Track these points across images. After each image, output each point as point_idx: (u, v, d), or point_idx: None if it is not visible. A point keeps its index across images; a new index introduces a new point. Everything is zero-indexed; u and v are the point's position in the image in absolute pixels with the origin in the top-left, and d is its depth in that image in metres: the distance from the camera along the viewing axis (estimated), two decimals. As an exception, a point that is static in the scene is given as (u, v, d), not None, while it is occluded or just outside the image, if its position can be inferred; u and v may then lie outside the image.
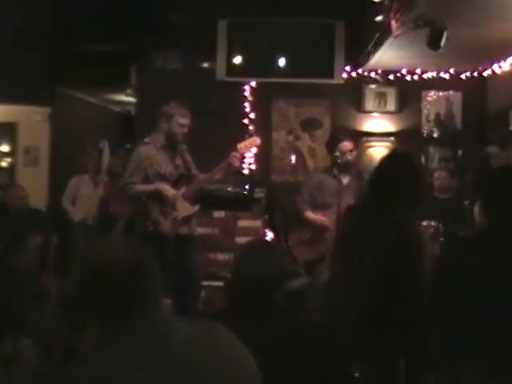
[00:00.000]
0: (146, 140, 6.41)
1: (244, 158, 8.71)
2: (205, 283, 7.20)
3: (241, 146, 6.46)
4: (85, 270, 2.15)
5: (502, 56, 8.21)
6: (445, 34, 6.20)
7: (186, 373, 2.05)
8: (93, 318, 2.12)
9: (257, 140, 6.71)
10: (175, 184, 6.32)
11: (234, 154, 6.34)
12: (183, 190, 6.35)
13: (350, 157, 6.75)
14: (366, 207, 4.19)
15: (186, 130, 6.32)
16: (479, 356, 3.20)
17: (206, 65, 9.15)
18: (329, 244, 6.55)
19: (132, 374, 1.99)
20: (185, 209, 6.33)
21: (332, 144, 6.87)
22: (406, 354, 3.79)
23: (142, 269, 2.14)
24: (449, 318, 3.36)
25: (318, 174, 7.46)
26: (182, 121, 6.29)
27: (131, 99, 11.02)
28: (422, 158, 9.28)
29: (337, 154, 6.70)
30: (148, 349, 2.04)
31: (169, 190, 6.24)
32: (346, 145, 6.77)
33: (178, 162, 6.42)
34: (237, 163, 6.49)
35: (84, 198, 9.29)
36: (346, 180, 6.69)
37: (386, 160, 4.23)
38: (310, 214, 6.85)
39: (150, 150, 6.30)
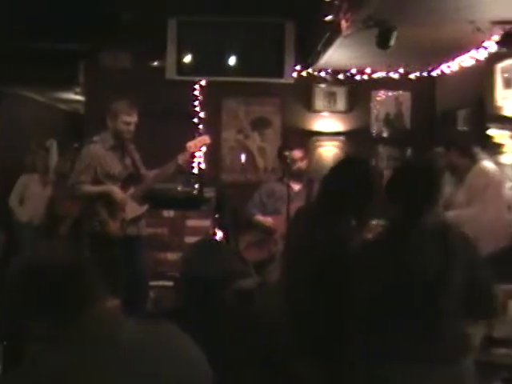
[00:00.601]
0: (94, 139, 6.34)
1: (194, 157, 8.67)
2: (154, 283, 7.15)
3: (190, 145, 6.44)
4: (24, 272, 2.11)
5: (450, 56, 8.28)
6: (394, 34, 6.23)
7: (134, 372, 2.04)
8: (35, 319, 2.09)
9: (206, 139, 6.70)
10: (124, 184, 6.27)
11: (183, 153, 6.32)
12: (132, 189, 6.30)
13: (300, 165, 6.79)
14: (314, 212, 4.17)
15: (131, 128, 6.26)
16: (392, 353, 3.27)
17: (155, 63, 9.08)
18: (278, 245, 6.58)
19: (79, 373, 1.97)
20: (133, 210, 6.28)
21: (282, 152, 6.90)
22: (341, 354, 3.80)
23: (82, 269, 2.12)
24: (364, 319, 3.42)
25: (269, 182, 7.50)
26: (126, 118, 6.22)
27: (80, 98, 10.90)
28: (372, 158, 9.34)
29: (288, 162, 6.74)
30: (94, 348, 2.02)
31: (117, 193, 6.18)
32: (297, 153, 6.82)
33: (127, 161, 6.36)
34: (186, 162, 6.46)
35: (33, 197, 9.19)
36: (297, 187, 6.73)
37: (339, 167, 4.16)
38: (258, 218, 6.87)
39: (99, 150, 6.24)
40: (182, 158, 6.34)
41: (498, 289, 3.61)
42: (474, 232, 6.12)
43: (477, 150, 6.53)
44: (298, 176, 6.73)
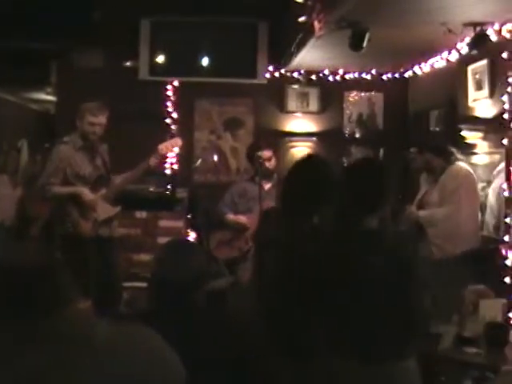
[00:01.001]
0: (64, 139, 6.30)
1: (166, 157, 8.64)
2: (127, 284, 7.12)
3: (162, 147, 6.43)
4: None
5: (423, 57, 8.33)
6: (367, 36, 6.24)
7: (107, 373, 2.02)
8: (7, 319, 2.08)
9: (178, 141, 6.69)
10: (95, 185, 6.24)
11: (154, 155, 6.31)
12: (103, 191, 6.27)
13: (269, 164, 6.80)
14: (278, 212, 4.20)
15: (97, 129, 6.20)
16: (341, 351, 3.32)
17: (128, 64, 9.04)
18: (250, 243, 6.59)
19: (55, 373, 1.97)
20: (105, 210, 6.25)
21: (252, 152, 6.91)
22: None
23: (53, 271, 2.10)
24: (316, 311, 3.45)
25: (240, 181, 7.52)
26: (92, 119, 6.17)
27: (52, 98, 10.83)
28: (344, 159, 9.36)
29: (259, 161, 6.75)
30: (68, 349, 2.01)
31: (87, 194, 6.14)
32: (266, 153, 6.83)
33: (98, 162, 6.33)
34: (157, 164, 6.45)
35: (3, 198, 9.09)
36: (267, 186, 6.73)
37: (298, 167, 4.15)
38: (230, 217, 6.88)
39: (68, 150, 6.20)
40: (153, 160, 6.33)
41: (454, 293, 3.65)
42: (446, 232, 6.20)
43: (452, 150, 6.57)
44: (268, 175, 6.74)
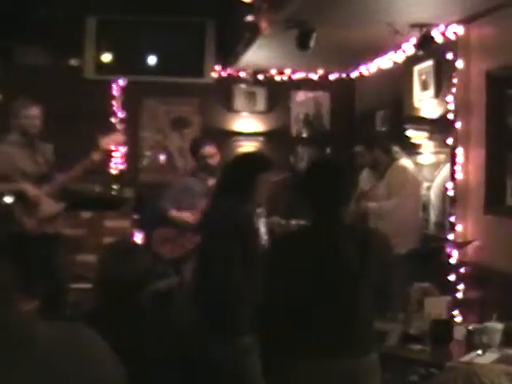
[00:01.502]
0: (4, 137, 6.21)
1: (110, 155, 8.57)
2: (73, 285, 7.03)
3: (101, 143, 6.36)
4: None
5: (369, 58, 8.39)
6: (313, 36, 6.27)
7: (47, 372, 2.02)
8: None
9: (119, 136, 6.64)
10: (37, 182, 6.15)
11: (96, 151, 6.25)
12: (46, 188, 6.19)
13: (213, 161, 6.77)
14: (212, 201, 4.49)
15: (36, 122, 6.13)
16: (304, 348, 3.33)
17: (74, 62, 8.94)
18: (194, 241, 6.55)
19: None
20: (49, 207, 6.16)
21: (195, 148, 6.88)
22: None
23: None
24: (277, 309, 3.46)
25: (183, 177, 7.49)
26: (26, 113, 6.11)
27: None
28: (291, 158, 9.39)
29: (204, 157, 6.72)
30: (10, 350, 1.99)
31: (30, 189, 6.06)
32: (209, 149, 6.80)
33: (39, 159, 6.24)
34: (99, 161, 6.38)
35: None
36: (211, 182, 6.69)
37: (232, 160, 4.51)
38: (173, 213, 6.83)
39: (8, 148, 6.11)
40: (94, 156, 6.27)
41: (400, 291, 3.70)
42: (393, 225, 6.28)
43: (396, 148, 6.65)
44: (211, 172, 6.71)
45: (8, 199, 6.02)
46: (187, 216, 6.70)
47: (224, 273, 3.95)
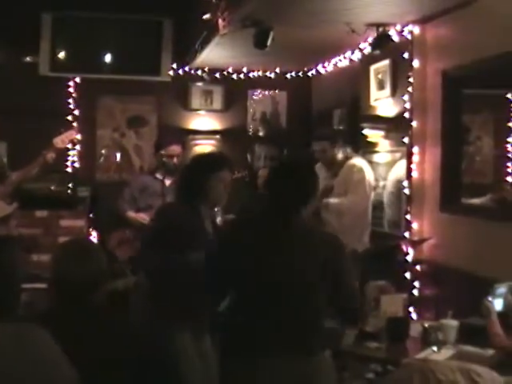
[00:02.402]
0: None
1: (66, 154, 8.48)
2: (28, 285, 6.94)
3: (56, 140, 6.29)
4: None
5: (326, 57, 8.42)
6: (271, 34, 6.27)
7: None
8: None
9: (73, 133, 6.57)
10: None
11: (49, 149, 6.17)
12: (-1, 188, 6.10)
13: (173, 160, 6.73)
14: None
15: None
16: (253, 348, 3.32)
17: (28, 59, 8.82)
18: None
19: None
20: (1, 209, 6.07)
21: (159, 146, 6.83)
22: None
23: None
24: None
25: (141, 176, 7.45)
26: None
27: None
28: (248, 156, 9.39)
29: (163, 155, 6.67)
30: None
31: None
32: (174, 148, 6.74)
33: (-9, 159, 6.16)
34: (53, 159, 6.30)
35: None
36: (169, 181, 6.65)
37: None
38: (130, 214, 6.79)
39: None
40: (48, 154, 6.19)
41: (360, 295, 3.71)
42: (350, 222, 6.33)
43: (348, 147, 6.69)
44: (173, 171, 6.67)
45: None
46: (144, 217, 6.66)
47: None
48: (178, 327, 4.11)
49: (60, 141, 6.32)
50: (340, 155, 6.55)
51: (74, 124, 8.83)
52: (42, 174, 6.46)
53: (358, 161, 6.61)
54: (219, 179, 4.28)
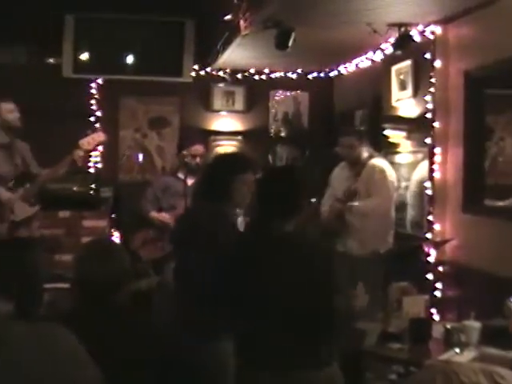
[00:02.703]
0: None
1: (90, 156, 8.52)
2: (51, 285, 6.99)
3: (83, 142, 6.30)
4: None
5: (347, 57, 8.41)
6: (292, 35, 6.27)
7: (22, 374, 1.98)
8: None
9: (101, 135, 6.55)
10: (14, 184, 6.09)
11: (76, 151, 6.19)
12: (21, 190, 6.12)
13: (199, 160, 6.73)
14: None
15: (17, 114, 6.11)
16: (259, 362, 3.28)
17: (51, 61, 8.88)
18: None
19: None
20: (23, 211, 6.10)
21: (182, 146, 6.84)
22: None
23: None
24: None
25: (163, 176, 7.47)
26: (7, 106, 6.08)
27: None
28: (270, 157, 9.40)
29: (186, 155, 6.68)
30: None
31: (4, 194, 5.99)
32: (197, 148, 6.75)
33: (17, 160, 6.18)
34: (80, 160, 6.33)
35: None
36: (190, 181, 6.64)
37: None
38: (153, 214, 6.80)
39: None
40: (75, 156, 6.21)
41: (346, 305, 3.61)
42: (374, 224, 6.31)
43: (371, 148, 6.67)
44: (195, 171, 6.67)
45: None
46: (166, 218, 6.68)
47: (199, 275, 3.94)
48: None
49: (87, 142, 6.34)
50: (365, 154, 6.52)
51: (97, 125, 8.88)
52: (65, 175, 6.49)
53: (379, 161, 6.58)
54: (243, 181, 4.26)
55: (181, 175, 6.68)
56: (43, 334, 2.13)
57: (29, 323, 2.14)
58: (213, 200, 4.15)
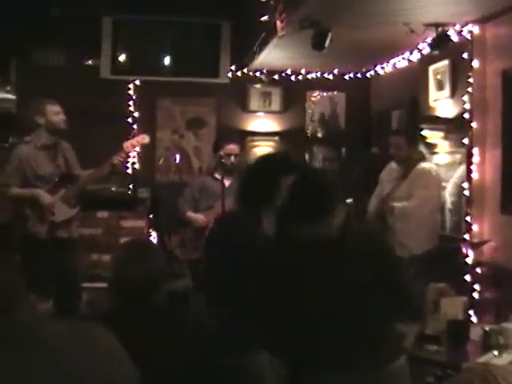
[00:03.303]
0: (26, 139, 6.22)
1: (128, 157, 8.58)
2: (89, 285, 7.05)
3: (127, 144, 6.34)
4: None
5: (384, 58, 8.38)
6: (329, 36, 6.26)
7: (61, 372, 2.02)
8: None
9: (145, 138, 6.57)
10: (56, 184, 6.16)
11: (118, 153, 6.24)
12: (62, 191, 6.18)
13: (234, 160, 6.74)
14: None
15: (63, 116, 6.17)
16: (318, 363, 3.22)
17: (90, 62, 8.96)
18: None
19: (9, 374, 1.96)
20: (63, 212, 6.16)
21: (218, 146, 6.86)
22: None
23: (9, 271, 2.09)
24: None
25: (200, 177, 7.49)
26: (54, 109, 6.14)
27: (11, 96, 10.69)
28: (306, 158, 9.39)
29: (222, 155, 6.69)
30: (23, 349, 2.01)
31: (45, 196, 6.05)
32: (232, 148, 6.77)
33: (60, 161, 6.25)
34: (121, 163, 6.38)
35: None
36: (228, 182, 6.65)
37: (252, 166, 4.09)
38: (191, 214, 6.83)
39: (29, 150, 6.11)
40: (117, 158, 6.25)
41: (420, 289, 3.56)
42: (413, 226, 6.28)
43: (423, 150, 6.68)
44: (230, 171, 6.67)
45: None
46: (202, 218, 6.71)
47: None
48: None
49: (130, 145, 6.38)
50: (416, 155, 6.53)
51: (134, 126, 8.95)
52: (106, 175, 6.55)
53: (427, 164, 6.60)
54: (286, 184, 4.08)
55: (218, 175, 6.70)
56: (83, 333, 2.16)
57: (68, 322, 2.16)
58: (254, 203, 3.97)
